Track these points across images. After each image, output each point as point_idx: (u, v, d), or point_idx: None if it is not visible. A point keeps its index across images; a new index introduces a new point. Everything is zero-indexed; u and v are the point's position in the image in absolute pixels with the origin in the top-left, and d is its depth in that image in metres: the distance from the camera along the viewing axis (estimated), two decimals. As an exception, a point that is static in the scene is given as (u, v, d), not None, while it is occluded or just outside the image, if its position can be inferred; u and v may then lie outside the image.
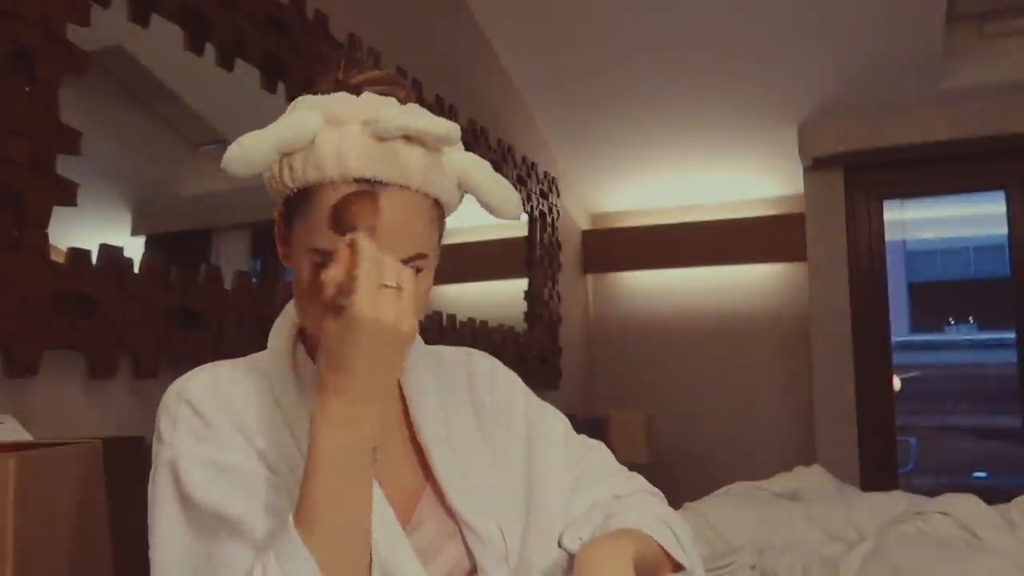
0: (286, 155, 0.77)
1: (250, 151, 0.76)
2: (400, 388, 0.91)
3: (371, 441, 0.72)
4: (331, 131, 0.76)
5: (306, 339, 0.89)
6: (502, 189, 0.83)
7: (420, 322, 0.80)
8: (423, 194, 0.79)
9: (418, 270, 0.80)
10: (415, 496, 0.86)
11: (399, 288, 0.70)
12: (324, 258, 0.76)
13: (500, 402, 0.97)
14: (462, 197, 0.85)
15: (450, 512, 0.84)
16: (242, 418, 0.81)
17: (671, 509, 0.95)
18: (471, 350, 1.03)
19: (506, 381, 0.99)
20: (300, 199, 0.78)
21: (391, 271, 0.70)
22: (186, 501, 0.77)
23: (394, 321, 0.70)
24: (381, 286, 0.69)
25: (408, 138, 0.77)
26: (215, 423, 0.80)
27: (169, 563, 0.76)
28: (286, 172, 0.77)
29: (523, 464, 0.92)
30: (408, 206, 0.78)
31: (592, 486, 0.94)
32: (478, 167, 0.83)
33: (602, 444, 1.03)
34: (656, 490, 1.00)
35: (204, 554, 0.75)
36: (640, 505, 0.92)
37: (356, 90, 0.80)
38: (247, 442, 0.80)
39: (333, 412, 0.70)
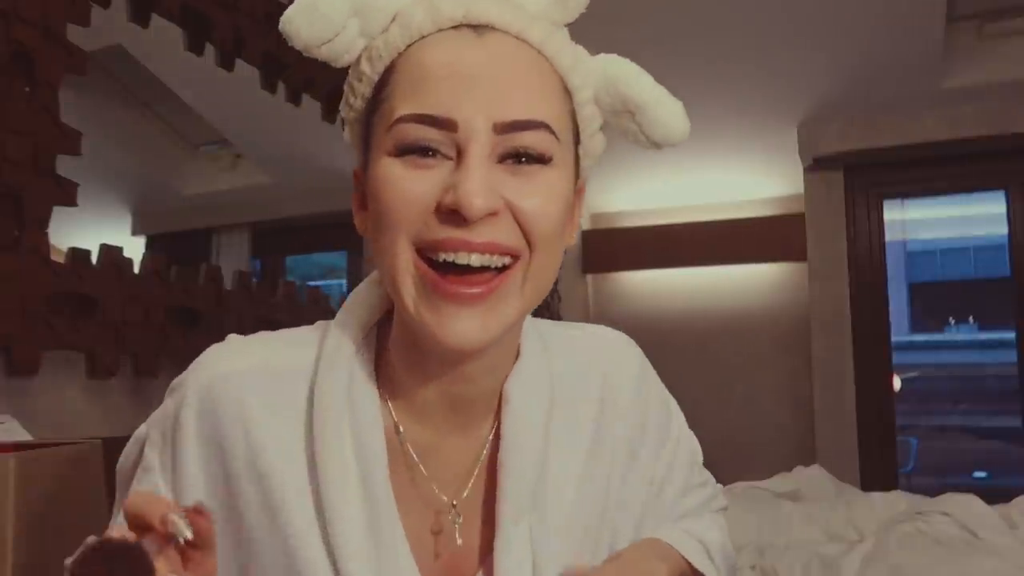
0: (366, 38, 0.58)
1: (315, 4, 0.55)
2: (499, 404, 0.66)
3: None
4: None
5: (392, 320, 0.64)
6: (656, 90, 0.64)
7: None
8: (545, 58, 0.59)
9: (537, 174, 0.57)
10: (472, 568, 0.64)
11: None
12: (411, 134, 0.55)
13: (640, 437, 0.73)
14: (600, 127, 0.64)
15: None
16: (260, 443, 0.60)
17: (722, 529, 0.84)
18: (611, 341, 0.78)
19: (644, 384, 0.76)
20: (381, 87, 0.59)
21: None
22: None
23: None
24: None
25: None
26: (187, 460, 0.60)
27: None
28: (364, 62, 0.59)
29: (634, 528, 0.70)
30: (523, 59, 0.57)
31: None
32: (623, 63, 0.64)
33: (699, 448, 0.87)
34: (725, 506, 0.88)
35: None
36: (697, 528, 0.80)
37: None
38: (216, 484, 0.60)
39: None
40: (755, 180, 4.15)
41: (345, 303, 0.67)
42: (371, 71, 0.59)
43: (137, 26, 1.73)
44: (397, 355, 0.64)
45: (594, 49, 0.66)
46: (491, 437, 0.66)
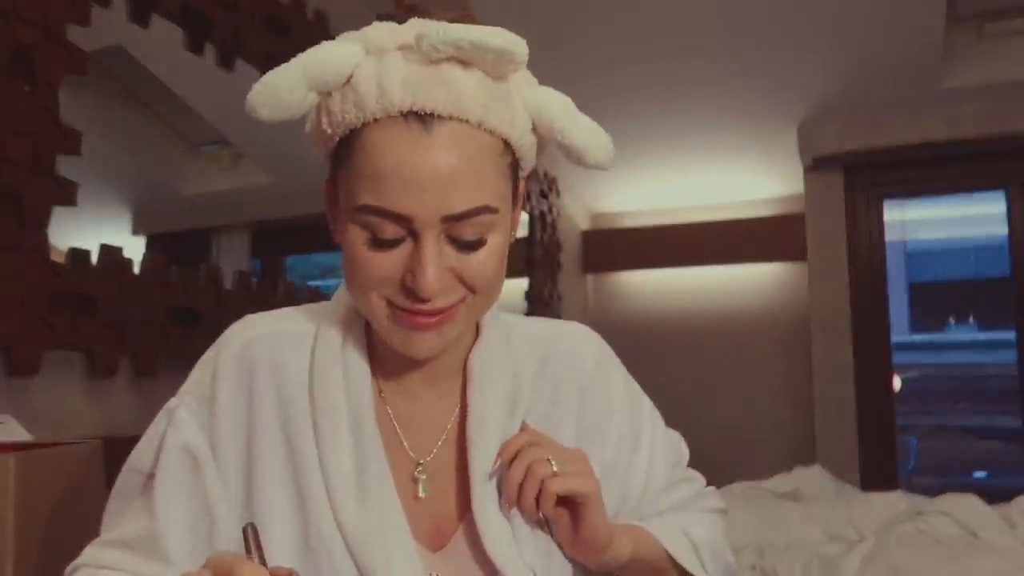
0: (325, 97, 0.66)
1: (274, 86, 0.64)
2: (464, 380, 0.78)
3: None
4: (371, 62, 0.64)
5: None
6: (588, 127, 0.70)
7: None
8: (486, 131, 0.65)
9: (480, 244, 0.66)
10: (447, 531, 0.75)
11: None
12: (374, 221, 0.64)
13: (591, 409, 0.82)
14: (540, 148, 0.72)
15: (485, 558, 0.72)
16: (288, 386, 0.74)
17: (720, 535, 0.88)
18: (559, 324, 0.87)
19: (603, 374, 0.84)
20: (342, 151, 0.66)
21: None
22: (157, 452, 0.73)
23: None
24: None
25: (463, 63, 0.64)
26: (222, 408, 0.73)
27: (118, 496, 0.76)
28: (324, 119, 0.66)
29: (606, 488, 0.77)
30: (466, 144, 0.64)
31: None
32: (558, 101, 0.70)
33: (682, 440, 0.94)
34: (722, 508, 0.92)
35: (122, 510, 0.74)
36: (682, 521, 0.85)
37: (402, 20, 0.68)
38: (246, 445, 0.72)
39: None
40: (755, 180, 4.15)
41: (341, 285, 0.78)
42: (331, 132, 0.67)
43: (137, 26, 1.73)
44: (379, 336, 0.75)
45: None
46: (457, 409, 0.78)
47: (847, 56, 3.35)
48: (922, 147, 3.61)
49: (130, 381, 1.67)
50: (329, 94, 0.66)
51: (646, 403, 0.90)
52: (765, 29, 3.22)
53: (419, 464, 0.76)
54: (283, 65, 0.65)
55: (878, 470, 3.68)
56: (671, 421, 0.94)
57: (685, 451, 0.93)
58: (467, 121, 0.64)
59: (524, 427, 0.76)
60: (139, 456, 0.76)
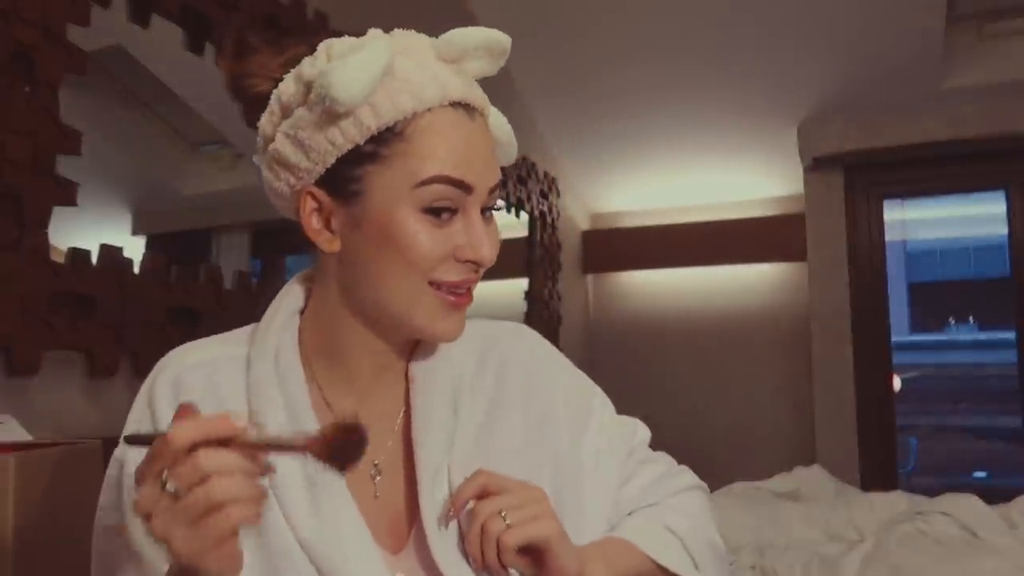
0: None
1: (370, 72, 0.68)
2: (407, 383, 0.81)
3: None
4: (407, 59, 0.72)
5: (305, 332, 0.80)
6: (510, 130, 0.83)
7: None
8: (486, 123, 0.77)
9: (495, 208, 0.78)
10: (403, 532, 0.77)
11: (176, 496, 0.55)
12: (440, 191, 0.71)
13: (538, 398, 0.85)
14: None
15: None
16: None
17: (700, 514, 0.87)
18: (491, 323, 0.91)
19: (542, 362, 0.88)
20: (380, 142, 0.70)
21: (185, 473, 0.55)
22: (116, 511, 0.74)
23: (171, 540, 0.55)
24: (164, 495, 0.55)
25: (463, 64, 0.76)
26: (163, 421, 0.74)
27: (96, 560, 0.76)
28: (366, 113, 0.69)
29: (552, 485, 0.79)
30: (487, 132, 0.77)
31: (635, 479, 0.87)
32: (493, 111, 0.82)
33: (640, 425, 0.94)
34: (697, 484, 0.92)
35: (108, 568, 0.74)
36: (657, 513, 0.84)
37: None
38: None
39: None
40: (755, 180, 4.15)
41: (271, 305, 0.82)
42: (374, 124, 0.70)
43: (137, 26, 1.73)
44: (333, 336, 0.78)
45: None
46: (403, 410, 0.81)
47: (847, 56, 3.35)
48: (922, 147, 3.61)
49: (130, 381, 1.66)
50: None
51: (596, 395, 0.90)
52: (765, 30, 3.22)
53: (375, 464, 0.78)
54: (350, 60, 0.68)
55: (878, 470, 3.68)
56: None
57: (643, 435, 0.93)
58: (484, 113, 0.76)
59: (476, 474, 0.74)
60: (105, 514, 0.76)
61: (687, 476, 0.92)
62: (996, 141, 3.48)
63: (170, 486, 0.55)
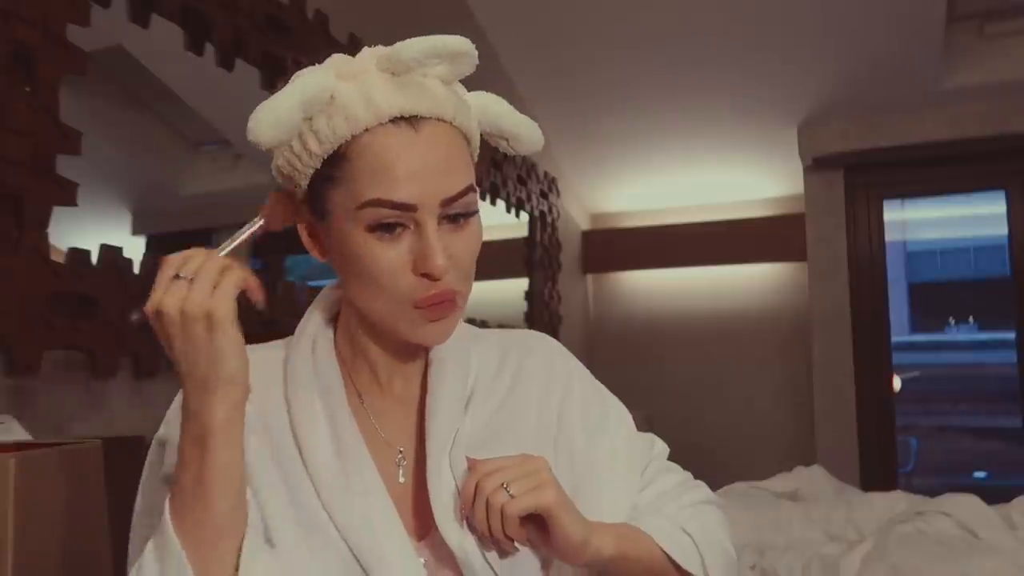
0: (307, 120, 0.73)
1: (276, 112, 0.70)
2: (426, 368, 0.85)
3: (219, 430, 0.68)
4: (347, 83, 0.73)
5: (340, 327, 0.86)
6: (523, 119, 0.83)
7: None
8: (456, 127, 0.76)
9: (469, 216, 0.76)
10: (428, 517, 0.78)
11: (190, 280, 0.68)
12: (381, 213, 0.71)
13: (555, 397, 0.87)
14: (479, 143, 0.83)
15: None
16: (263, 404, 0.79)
17: (716, 526, 0.88)
18: (515, 331, 0.95)
19: (562, 367, 0.90)
20: (332, 165, 0.73)
21: (184, 265, 0.69)
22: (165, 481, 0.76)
23: (175, 310, 0.68)
24: (173, 279, 0.69)
25: (424, 73, 0.74)
26: None
27: (135, 540, 0.79)
28: (311, 140, 0.73)
29: (568, 484, 0.80)
30: (449, 139, 0.74)
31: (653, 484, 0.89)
32: (498, 102, 0.82)
33: (658, 440, 0.95)
34: (715, 500, 0.92)
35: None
36: (673, 515, 0.85)
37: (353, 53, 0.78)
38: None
39: (186, 404, 0.70)
40: (755, 180, 4.15)
41: (311, 306, 0.87)
42: (319, 150, 0.73)
43: (137, 26, 1.73)
44: (353, 333, 0.83)
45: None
46: (420, 393, 0.84)
47: (847, 56, 3.36)
48: (922, 147, 3.61)
49: (130, 381, 1.67)
50: (310, 117, 0.73)
51: (613, 407, 0.92)
52: (765, 30, 3.22)
53: (400, 451, 0.82)
54: (278, 94, 0.71)
55: (878, 470, 3.68)
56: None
57: (661, 448, 0.94)
58: (443, 119, 0.74)
59: (471, 464, 0.77)
60: (147, 498, 0.80)
61: (704, 490, 0.93)
62: (996, 141, 3.49)
63: (183, 272, 0.68)
